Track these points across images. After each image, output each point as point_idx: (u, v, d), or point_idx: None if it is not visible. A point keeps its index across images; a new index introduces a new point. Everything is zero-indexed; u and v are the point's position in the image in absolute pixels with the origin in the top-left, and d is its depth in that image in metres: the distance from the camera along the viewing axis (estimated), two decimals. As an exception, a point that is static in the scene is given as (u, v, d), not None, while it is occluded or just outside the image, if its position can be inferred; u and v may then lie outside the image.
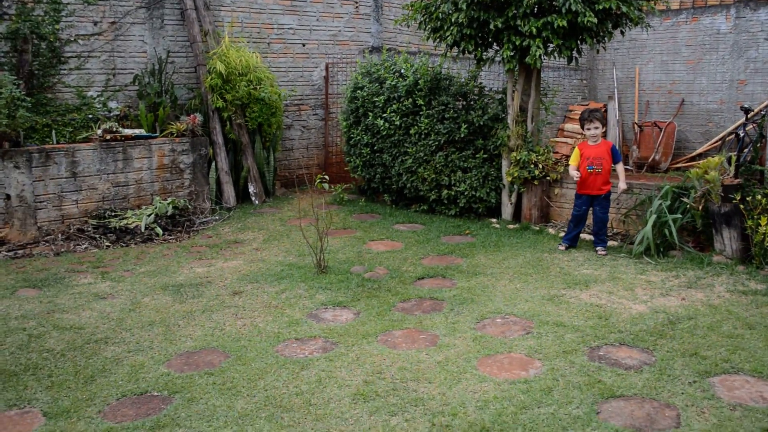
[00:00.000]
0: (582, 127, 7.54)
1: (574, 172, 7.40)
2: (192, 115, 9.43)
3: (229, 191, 9.70)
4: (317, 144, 11.90)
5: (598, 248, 7.38)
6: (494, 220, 8.79)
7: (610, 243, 7.61)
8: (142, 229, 8.15)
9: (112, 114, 9.28)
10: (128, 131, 8.86)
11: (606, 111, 14.32)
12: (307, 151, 11.75)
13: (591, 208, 7.45)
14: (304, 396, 4.17)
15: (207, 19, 9.99)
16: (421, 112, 9.06)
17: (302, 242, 7.51)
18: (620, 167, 7.41)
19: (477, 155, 8.78)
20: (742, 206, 6.83)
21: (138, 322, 5.45)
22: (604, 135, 13.98)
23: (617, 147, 13.57)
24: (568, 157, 8.42)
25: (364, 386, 4.27)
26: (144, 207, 8.70)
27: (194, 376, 4.50)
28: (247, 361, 4.69)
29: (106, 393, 4.28)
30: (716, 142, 13.06)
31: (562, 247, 7.46)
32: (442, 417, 3.89)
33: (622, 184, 7.38)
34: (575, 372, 4.44)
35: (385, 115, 9.27)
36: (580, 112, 14.15)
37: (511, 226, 8.44)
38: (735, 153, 9.77)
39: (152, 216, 8.38)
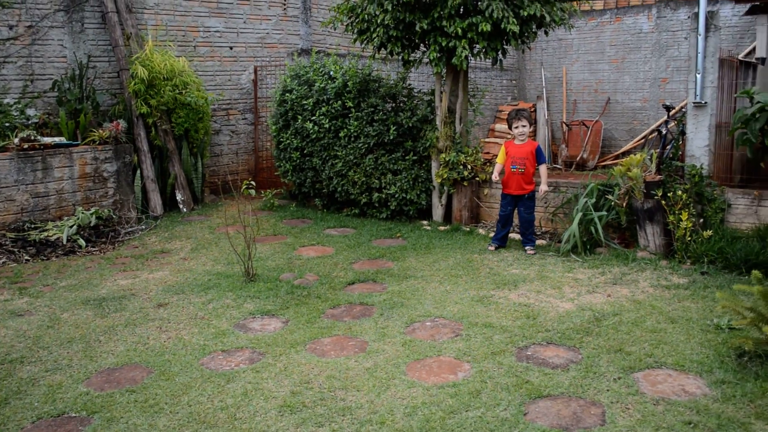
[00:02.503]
0: (509, 127, 7.61)
1: (495, 176, 7.49)
2: (115, 122, 9.16)
3: (155, 199, 9.45)
4: (247, 149, 11.73)
5: (526, 247, 7.46)
6: (425, 222, 8.80)
7: (538, 242, 7.70)
8: (64, 242, 7.86)
9: (30, 122, 8.92)
10: (47, 139, 8.53)
11: (535, 111, 14.55)
12: (236, 156, 11.56)
13: (516, 209, 7.52)
14: (229, 410, 4.06)
15: (130, 23, 9.72)
16: (350, 115, 9.01)
17: (231, 250, 7.36)
18: (543, 168, 7.48)
19: (407, 157, 8.78)
20: (663, 202, 7.00)
21: (56, 340, 5.23)
22: (534, 134, 14.21)
23: (545, 146, 13.84)
24: (497, 156, 8.51)
25: (291, 397, 4.19)
26: (66, 218, 8.40)
27: (115, 394, 4.34)
28: (170, 376, 4.55)
29: (21, 416, 4.09)
30: (641, 139, 13.41)
31: (491, 248, 7.51)
32: (370, 425, 3.84)
33: (543, 186, 7.47)
34: (503, 373, 4.45)
35: (314, 118, 9.19)
36: (509, 112, 14.34)
37: (441, 228, 8.46)
38: (658, 150, 10.04)
39: (74, 227, 8.10)
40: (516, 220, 7.80)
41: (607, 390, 4.21)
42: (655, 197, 7.04)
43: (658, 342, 4.90)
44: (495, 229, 7.88)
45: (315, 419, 3.93)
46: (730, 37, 12.74)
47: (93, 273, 7.00)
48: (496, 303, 5.79)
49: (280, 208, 9.83)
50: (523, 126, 7.44)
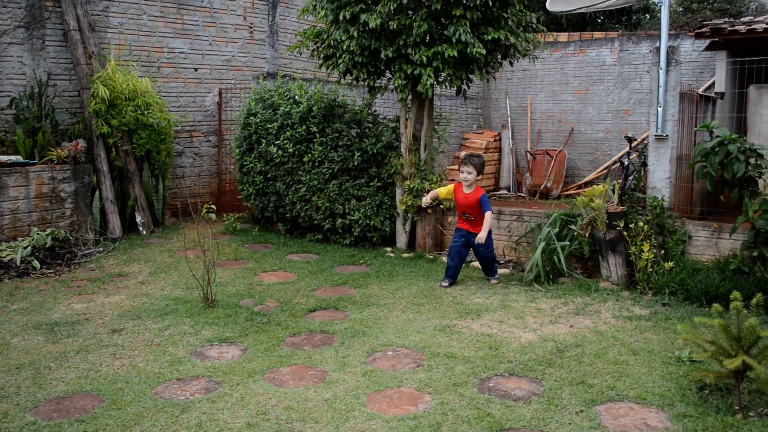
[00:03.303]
0: (459, 168, 7.46)
1: (426, 200, 7.60)
2: (74, 141, 8.98)
3: (114, 221, 9.25)
4: (210, 172, 11.59)
5: (490, 277, 7.42)
6: (389, 248, 8.75)
7: (501, 270, 7.68)
8: (18, 263, 7.64)
9: (-15, 140, 8.71)
10: (3, 157, 8.32)
11: (500, 139, 14.67)
12: (199, 178, 11.41)
13: (474, 248, 7.30)
14: (182, 442, 3.93)
15: (92, 41, 9.58)
16: (314, 140, 8.95)
17: (190, 275, 7.21)
18: (487, 216, 7.13)
19: (371, 183, 8.74)
20: (625, 233, 7.04)
21: (4, 366, 5.03)
22: (499, 163, 14.31)
23: (510, 175, 13.92)
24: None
25: (247, 429, 4.06)
26: (20, 239, 8.17)
27: (63, 424, 4.16)
28: (122, 406, 4.39)
29: (-39, 447, 3.91)
30: (603, 170, 13.58)
31: (444, 284, 7.20)
32: (328, 459, 3.73)
33: (482, 233, 7.11)
34: (465, 405, 4.38)
35: (278, 142, 9.12)
36: (475, 140, 14.45)
37: (405, 255, 8.41)
38: (620, 180, 10.15)
39: (29, 248, 7.87)
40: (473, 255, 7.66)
41: (569, 423, 4.16)
42: (617, 228, 7.08)
43: (620, 374, 4.88)
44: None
45: (271, 452, 3.81)
46: (690, 72, 13.01)
47: (46, 296, 6.79)
48: (458, 333, 5.73)
49: (242, 232, 9.70)
50: (469, 173, 7.22)
